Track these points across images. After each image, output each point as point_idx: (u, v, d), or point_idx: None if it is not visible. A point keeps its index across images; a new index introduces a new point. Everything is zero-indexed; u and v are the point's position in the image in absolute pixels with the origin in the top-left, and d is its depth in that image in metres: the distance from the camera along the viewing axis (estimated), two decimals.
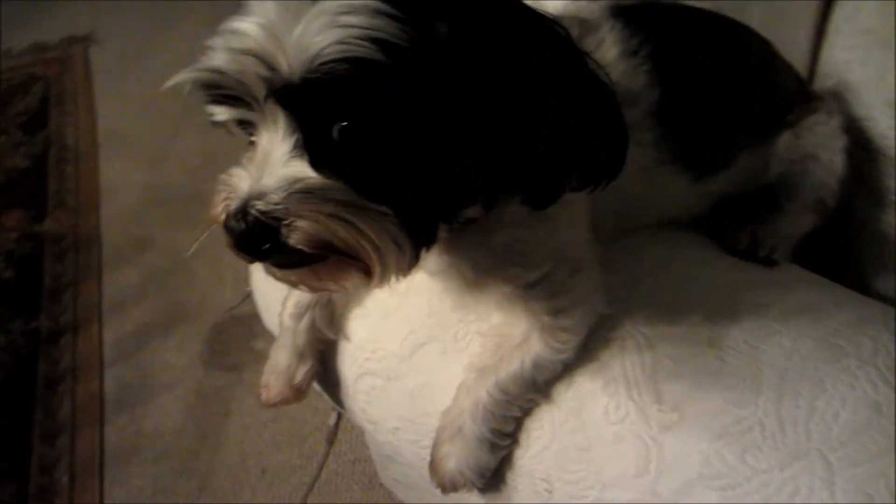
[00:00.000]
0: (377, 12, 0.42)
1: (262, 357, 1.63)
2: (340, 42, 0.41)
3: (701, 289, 0.67)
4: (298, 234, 0.45)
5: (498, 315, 0.67)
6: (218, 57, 0.45)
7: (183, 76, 0.47)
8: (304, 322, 0.74)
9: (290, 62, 0.42)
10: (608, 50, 0.63)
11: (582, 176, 0.51)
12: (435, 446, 0.68)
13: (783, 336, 0.63)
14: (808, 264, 0.76)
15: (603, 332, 0.65)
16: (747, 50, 0.71)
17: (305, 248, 0.45)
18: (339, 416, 1.53)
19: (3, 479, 1.48)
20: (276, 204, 0.45)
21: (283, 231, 0.45)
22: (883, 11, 0.76)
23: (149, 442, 1.53)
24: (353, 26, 0.41)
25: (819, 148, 0.72)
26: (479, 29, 0.45)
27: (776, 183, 0.74)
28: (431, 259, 0.60)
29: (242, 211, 0.46)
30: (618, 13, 0.67)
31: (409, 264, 0.49)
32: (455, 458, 0.66)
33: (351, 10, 0.41)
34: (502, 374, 0.64)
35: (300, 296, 0.74)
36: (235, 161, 0.51)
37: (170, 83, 0.48)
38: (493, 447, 0.65)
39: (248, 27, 0.43)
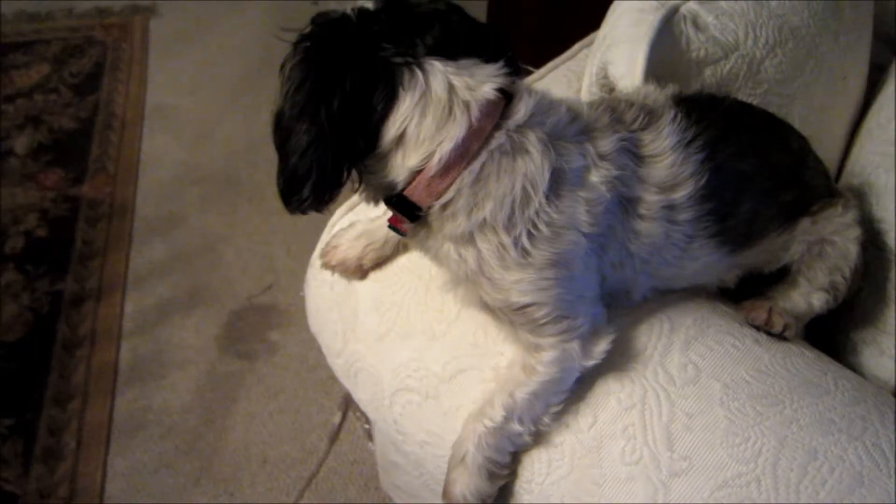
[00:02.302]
0: None
1: (275, 349, 1.74)
2: None
3: (721, 356, 0.75)
4: None
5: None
6: None
7: None
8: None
9: None
10: (663, 140, 0.72)
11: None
12: (447, 471, 0.77)
13: (786, 406, 0.71)
14: (816, 342, 0.85)
15: (630, 382, 0.73)
16: (786, 146, 0.80)
17: None
18: (344, 416, 1.61)
19: (12, 436, 1.52)
20: None
21: None
22: None
23: (156, 418, 1.59)
24: None
25: (834, 234, 0.81)
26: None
27: (797, 262, 0.82)
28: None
29: None
30: (679, 102, 0.76)
31: None
32: (460, 484, 0.74)
33: None
34: (493, 407, 0.73)
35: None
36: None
37: None
38: (491, 476, 0.74)
39: None
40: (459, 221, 0.67)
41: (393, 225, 0.74)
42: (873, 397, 0.75)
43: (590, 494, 0.71)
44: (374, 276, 0.89)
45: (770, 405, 0.71)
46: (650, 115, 0.74)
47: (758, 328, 0.80)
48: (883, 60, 1.12)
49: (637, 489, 0.69)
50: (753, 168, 0.76)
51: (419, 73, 0.64)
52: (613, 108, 0.74)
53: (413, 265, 0.88)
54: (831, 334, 0.90)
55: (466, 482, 0.74)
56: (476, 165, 0.65)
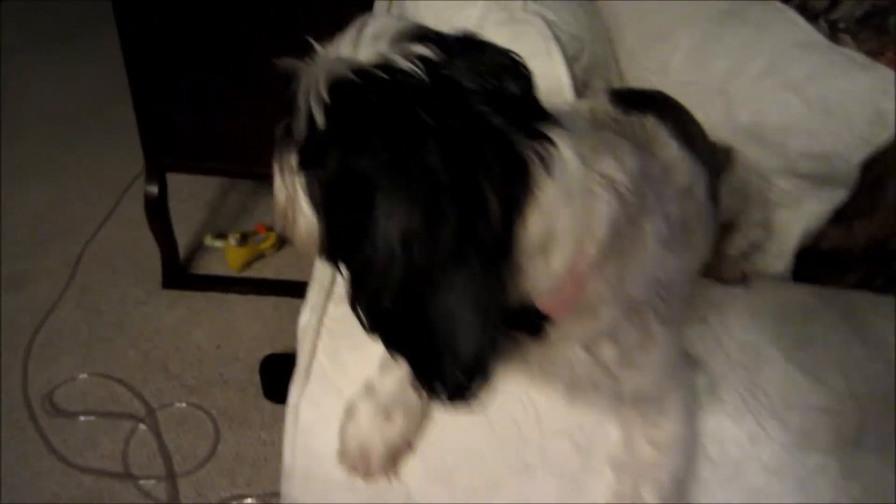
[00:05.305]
0: None
1: None
2: None
3: (754, 319, 0.78)
4: None
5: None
6: None
7: None
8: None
9: None
10: (668, 148, 0.68)
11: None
12: None
13: (827, 339, 0.78)
14: None
15: (724, 392, 0.71)
16: (691, 117, 0.84)
17: None
18: None
19: None
20: None
21: None
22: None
23: None
24: None
25: (748, 175, 0.89)
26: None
27: (733, 214, 0.89)
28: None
29: None
30: (625, 103, 0.72)
31: None
32: None
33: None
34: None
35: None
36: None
37: None
38: None
39: None
40: (605, 314, 0.54)
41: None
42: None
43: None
44: None
45: (818, 341, 0.76)
46: (643, 129, 0.69)
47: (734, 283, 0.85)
48: None
49: (786, 480, 0.68)
50: (701, 147, 0.78)
51: (550, 148, 0.48)
52: (604, 125, 0.68)
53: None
54: None
55: None
56: (618, 246, 0.51)
